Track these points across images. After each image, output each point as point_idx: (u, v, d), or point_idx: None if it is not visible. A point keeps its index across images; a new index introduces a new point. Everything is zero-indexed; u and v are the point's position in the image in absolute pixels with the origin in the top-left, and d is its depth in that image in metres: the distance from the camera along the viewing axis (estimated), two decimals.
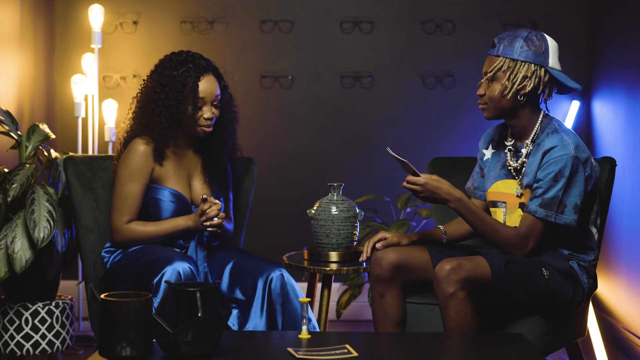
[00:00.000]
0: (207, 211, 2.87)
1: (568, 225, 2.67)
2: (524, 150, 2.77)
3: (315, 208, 3.15)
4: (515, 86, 2.70)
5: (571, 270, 2.73)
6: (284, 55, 4.53)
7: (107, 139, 4.30)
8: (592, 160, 2.73)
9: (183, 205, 2.99)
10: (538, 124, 2.76)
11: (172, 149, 3.00)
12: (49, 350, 3.28)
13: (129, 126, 3.02)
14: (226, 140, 3.06)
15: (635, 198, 3.81)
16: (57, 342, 3.29)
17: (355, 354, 2.27)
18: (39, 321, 3.25)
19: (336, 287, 4.36)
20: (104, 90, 4.46)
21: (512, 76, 2.70)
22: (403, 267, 2.78)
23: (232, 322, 2.86)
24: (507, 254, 2.70)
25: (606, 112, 4.23)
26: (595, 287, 2.82)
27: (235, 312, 2.89)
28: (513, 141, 2.82)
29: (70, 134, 4.41)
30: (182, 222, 2.93)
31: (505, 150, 2.84)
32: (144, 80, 3.04)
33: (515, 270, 2.64)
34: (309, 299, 2.49)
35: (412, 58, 4.52)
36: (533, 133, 2.76)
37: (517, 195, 2.78)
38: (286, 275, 2.90)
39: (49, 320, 3.26)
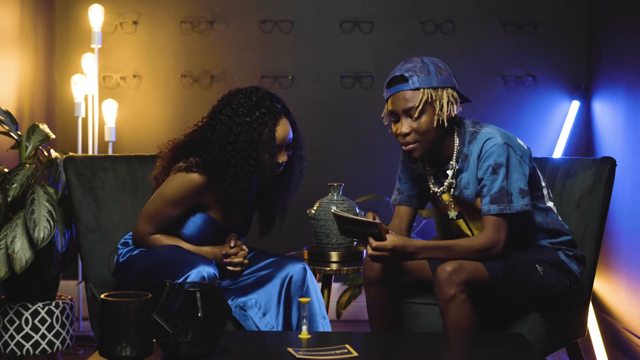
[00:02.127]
0: (232, 257, 2.82)
1: (522, 211, 2.65)
2: (449, 172, 2.74)
3: (315, 208, 3.15)
4: (445, 113, 2.64)
5: (561, 262, 2.74)
6: (284, 55, 4.53)
7: (107, 139, 4.30)
8: (518, 140, 2.72)
9: (214, 231, 2.91)
10: (456, 141, 2.72)
11: None
12: (49, 350, 3.28)
13: (188, 152, 2.85)
14: (293, 183, 2.97)
15: (635, 198, 3.81)
16: (57, 342, 3.29)
17: (355, 354, 2.27)
18: (39, 321, 3.25)
19: (336, 287, 4.37)
20: (104, 90, 4.46)
21: (438, 104, 2.64)
22: (395, 269, 2.78)
23: (253, 307, 2.85)
24: (505, 257, 2.69)
25: (606, 112, 4.23)
26: (583, 269, 2.83)
27: (252, 300, 2.87)
28: (434, 169, 2.79)
29: (70, 134, 4.41)
30: (207, 252, 2.84)
31: (429, 177, 2.81)
32: (204, 119, 2.87)
33: (511, 271, 2.65)
34: (308, 299, 2.49)
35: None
36: (455, 151, 2.72)
37: (453, 219, 2.78)
38: (309, 270, 2.90)
39: (49, 320, 3.26)
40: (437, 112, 2.64)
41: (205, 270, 2.67)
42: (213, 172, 2.79)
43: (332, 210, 2.65)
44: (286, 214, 3.06)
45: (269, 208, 3.03)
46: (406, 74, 2.64)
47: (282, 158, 2.85)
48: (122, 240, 2.97)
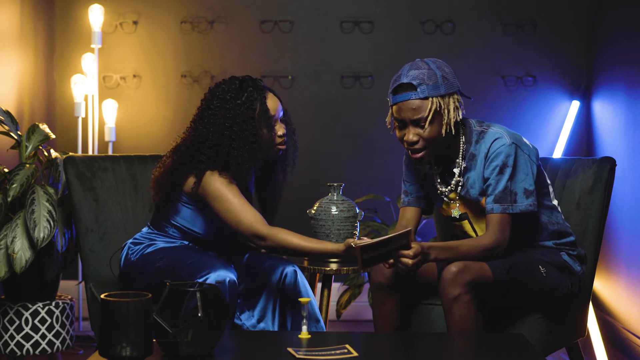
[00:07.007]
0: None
1: (526, 211, 2.65)
2: (456, 170, 2.74)
3: (315, 208, 3.15)
4: (452, 119, 2.63)
5: (564, 263, 2.74)
6: (284, 55, 4.53)
7: (107, 139, 4.30)
8: (524, 139, 2.72)
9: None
10: (462, 141, 2.72)
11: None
12: (49, 350, 3.28)
13: (181, 157, 2.85)
14: (289, 156, 3.00)
15: (635, 198, 3.81)
16: (57, 342, 3.29)
17: (355, 354, 2.27)
18: (39, 321, 3.25)
19: (336, 287, 4.37)
20: (104, 90, 4.46)
21: (446, 112, 2.62)
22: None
23: (243, 316, 2.86)
24: (508, 257, 2.69)
25: (606, 112, 4.23)
26: (585, 269, 2.83)
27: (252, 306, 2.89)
28: (441, 169, 2.79)
29: (70, 134, 4.41)
30: (332, 246, 2.75)
31: (435, 176, 2.80)
32: (192, 123, 2.89)
33: (515, 271, 2.65)
34: (308, 299, 2.49)
35: (412, 58, 4.45)
36: (461, 151, 2.72)
37: (456, 217, 2.77)
38: (299, 272, 2.91)
39: (49, 320, 3.26)
40: (444, 120, 2.63)
41: (227, 276, 2.68)
42: (216, 162, 2.80)
43: (353, 244, 2.55)
44: (280, 196, 3.07)
45: (270, 189, 3.03)
46: (414, 82, 2.61)
47: (281, 130, 2.90)
48: (132, 240, 2.95)
